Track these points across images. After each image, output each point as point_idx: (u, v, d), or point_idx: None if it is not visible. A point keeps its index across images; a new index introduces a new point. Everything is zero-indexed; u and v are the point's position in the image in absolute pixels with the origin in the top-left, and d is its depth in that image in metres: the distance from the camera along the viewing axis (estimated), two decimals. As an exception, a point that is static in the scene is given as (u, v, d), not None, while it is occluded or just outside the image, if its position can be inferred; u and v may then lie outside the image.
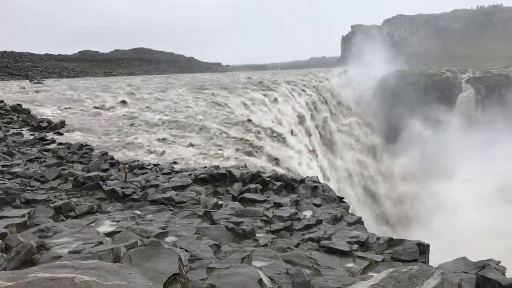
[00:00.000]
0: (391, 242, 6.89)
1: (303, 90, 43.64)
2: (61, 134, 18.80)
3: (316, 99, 45.13)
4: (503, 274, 4.99)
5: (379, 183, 48.14)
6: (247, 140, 21.25)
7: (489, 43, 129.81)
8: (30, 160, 12.72)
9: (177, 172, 12.55)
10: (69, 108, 26.17)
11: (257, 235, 7.15)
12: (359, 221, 9.00)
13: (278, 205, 9.40)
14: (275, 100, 34.59)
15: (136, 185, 10.18)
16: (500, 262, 5.52)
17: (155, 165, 13.76)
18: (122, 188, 9.69)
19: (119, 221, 7.28)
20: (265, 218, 8.26)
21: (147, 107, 27.07)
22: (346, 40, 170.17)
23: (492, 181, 37.44)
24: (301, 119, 36.68)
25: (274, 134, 24.34)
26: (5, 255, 4.62)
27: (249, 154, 19.89)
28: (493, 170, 39.60)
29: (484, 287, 4.44)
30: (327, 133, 43.46)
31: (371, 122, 59.38)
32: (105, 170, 11.79)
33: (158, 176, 11.66)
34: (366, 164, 48.72)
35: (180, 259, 4.23)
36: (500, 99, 57.73)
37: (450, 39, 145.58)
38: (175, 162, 15.20)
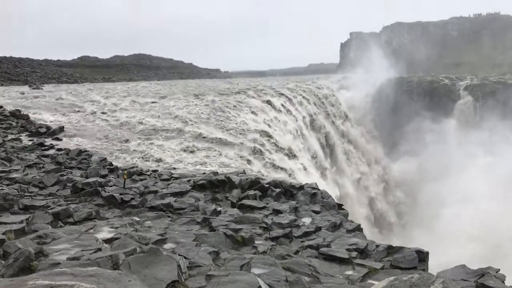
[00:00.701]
0: (390, 250, 6.87)
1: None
2: (60, 139, 18.77)
3: (328, 128, 44.55)
4: (503, 281, 4.99)
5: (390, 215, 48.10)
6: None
7: (486, 51, 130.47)
8: (29, 166, 12.69)
9: (176, 178, 12.53)
10: (68, 113, 26.17)
11: (256, 242, 7.14)
12: (358, 228, 9.00)
13: (277, 212, 9.38)
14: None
15: (134, 191, 10.16)
16: (499, 269, 5.52)
17: (154, 171, 13.74)
18: (120, 194, 9.67)
19: (117, 227, 7.26)
20: (264, 225, 8.25)
21: (145, 116, 27.00)
22: (345, 47, 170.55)
23: (490, 186, 37.53)
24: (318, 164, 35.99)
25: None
26: (3, 262, 4.60)
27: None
28: (491, 176, 39.69)
29: (484, 295, 4.43)
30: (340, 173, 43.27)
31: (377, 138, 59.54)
32: (103, 176, 11.77)
33: (156, 182, 11.65)
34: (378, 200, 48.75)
35: (179, 266, 4.21)
36: (498, 107, 57.90)
37: (447, 47, 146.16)
38: (173, 168, 15.18)
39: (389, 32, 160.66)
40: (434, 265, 6.56)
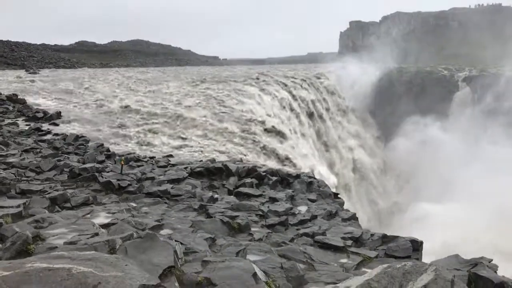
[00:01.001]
0: (385, 239, 6.94)
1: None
2: (57, 125, 18.73)
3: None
4: (495, 272, 5.05)
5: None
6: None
7: (486, 42, 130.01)
8: (26, 151, 12.68)
9: (173, 165, 12.55)
10: (65, 99, 26.06)
11: (252, 229, 7.19)
12: (353, 217, 9.07)
13: (273, 200, 9.44)
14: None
15: (132, 178, 10.18)
16: (492, 260, 5.59)
17: (151, 157, 13.76)
18: (118, 180, 9.69)
19: (114, 213, 7.29)
20: (260, 212, 8.30)
21: (143, 101, 26.89)
22: (344, 36, 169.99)
23: (489, 179, 37.61)
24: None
25: None
26: (0, 245, 4.62)
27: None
28: (490, 168, 39.77)
29: (476, 284, 4.50)
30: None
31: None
32: (101, 162, 11.78)
33: (154, 169, 11.67)
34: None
35: (175, 251, 4.24)
36: (496, 98, 57.87)
37: (447, 37, 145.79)
38: (170, 155, 15.20)
39: (389, 21, 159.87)
40: (429, 254, 6.64)
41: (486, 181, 35.19)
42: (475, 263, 5.22)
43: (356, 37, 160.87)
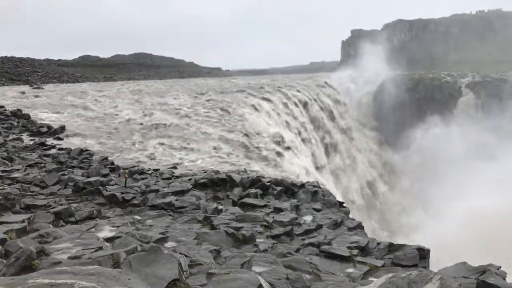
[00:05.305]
0: (391, 247, 6.88)
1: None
2: (61, 139, 18.79)
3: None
4: (504, 279, 4.98)
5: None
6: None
7: (488, 48, 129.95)
8: (30, 166, 12.72)
9: (177, 177, 12.54)
10: (69, 113, 26.17)
11: (257, 240, 7.15)
12: (359, 226, 9.00)
13: (278, 210, 9.39)
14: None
15: (136, 190, 10.18)
16: (500, 267, 5.51)
17: (155, 170, 13.75)
18: (122, 193, 9.69)
19: (119, 226, 7.28)
20: (265, 223, 8.25)
21: (146, 114, 26.92)
22: (346, 45, 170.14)
23: (493, 185, 37.34)
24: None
25: None
26: (4, 261, 4.61)
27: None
28: (494, 174, 39.51)
29: (484, 292, 4.42)
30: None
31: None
32: (105, 175, 11.79)
33: (158, 181, 11.66)
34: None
35: (180, 264, 4.22)
36: (500, 104, 57.71)
37: (449, 44, 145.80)
38: (174, 167, 15.19)
39: (390, 29, 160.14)
40: (440, 261, 6.56)
41: (493, 188, 34.96)
42: (483, 270, 5.14)
43: (358, 46, 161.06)
